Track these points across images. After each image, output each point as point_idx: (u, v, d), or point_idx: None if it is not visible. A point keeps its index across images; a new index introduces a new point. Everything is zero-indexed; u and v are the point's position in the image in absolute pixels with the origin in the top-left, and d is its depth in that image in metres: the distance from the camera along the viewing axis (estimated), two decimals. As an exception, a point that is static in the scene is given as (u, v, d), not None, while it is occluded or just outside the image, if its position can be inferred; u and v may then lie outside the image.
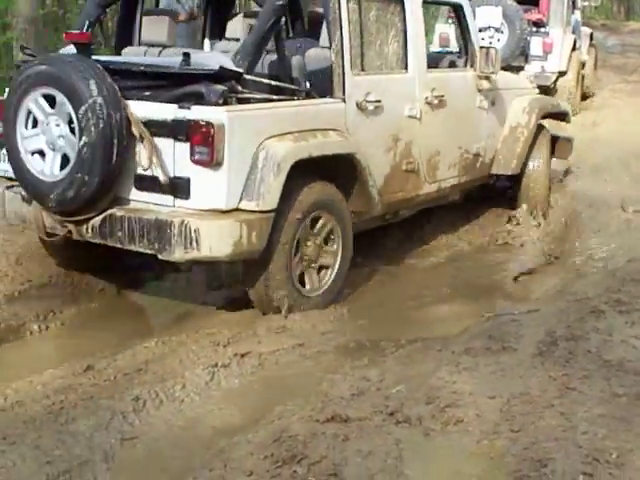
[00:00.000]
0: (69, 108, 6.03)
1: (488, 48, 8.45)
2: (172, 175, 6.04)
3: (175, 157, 6.01)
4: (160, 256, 6.09)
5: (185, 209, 6.04)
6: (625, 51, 23.62)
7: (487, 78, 8.44)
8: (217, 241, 5.96)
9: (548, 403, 4.75)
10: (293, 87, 6.64)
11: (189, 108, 5.95)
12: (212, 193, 6.02)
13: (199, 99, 5.99)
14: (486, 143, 8.73)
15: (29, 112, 6.26)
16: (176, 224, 5.90)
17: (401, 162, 7.52)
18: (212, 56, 6.51)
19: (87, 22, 7.33)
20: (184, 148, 5.94)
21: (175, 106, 6.01)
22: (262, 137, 6.15)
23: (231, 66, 6.16)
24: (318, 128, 6.59)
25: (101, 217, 6.22)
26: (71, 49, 6.56)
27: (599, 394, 4.87)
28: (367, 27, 7.12)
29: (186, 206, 6.04)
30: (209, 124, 5.83)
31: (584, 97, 15.70)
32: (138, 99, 6.17)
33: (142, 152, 6.10)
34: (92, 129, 5.92)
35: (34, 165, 6.29)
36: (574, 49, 14.71)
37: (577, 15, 15.66)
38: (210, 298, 7.23)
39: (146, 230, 6.02)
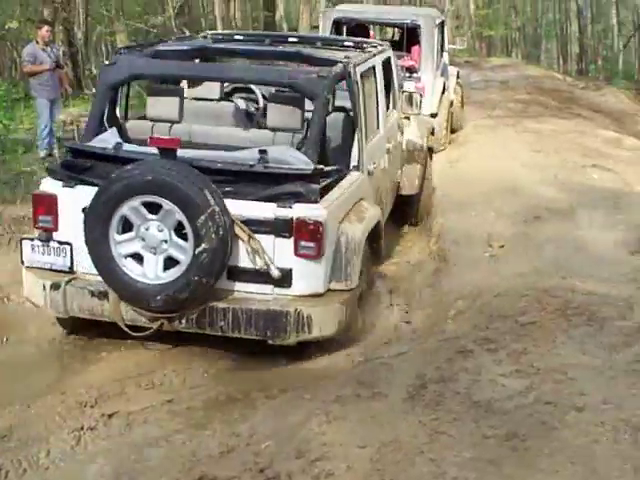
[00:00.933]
0: (180, 216, 6.28)
1: (411, 93, 9.59)
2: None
3: (275, 251, 6.43)
4: (271, 342, 6.50)
5: (283, 296, 6.50)
6: (487, 87, 24.12)
7: (407, 117, 9.65)
8: (326, 323, 6.52)
9: (418, 449, 4.74)
10: (336, 168, 7.07)
11: (291, 207, 6.40)
12: (312, 280, 6.54)
13: (297, 197, 6.42)
14: (400, 170, 9.66)
15: (123, 218, 6.43)
16: (292, 313, 6.38)
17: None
18: (286, 150, 6.86)
19: (107, 106, 7.41)
20: (286, 243, 6.40)
21: (274, 205, 6.41)
22: (338, 222, 6.74)
23: (306, 160, 6.65)
24: (356, 201, 7.22)
25: (199, 309, 6.49)
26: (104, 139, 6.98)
27: (468, 437, 4.89)
28: (365, 101, 7.73)
29: (286, 293, 6.51)
30: (317, 222, 6.35)
31: (452, 132, 16.00)
32: (229, 197, 6.43)
33: (239, 247, 6.46)
34: (213, 236, 6.22)
35: (131, 268, 6.48)
36: (443, 91, 15.05)
37: (445, 58, 16.06)
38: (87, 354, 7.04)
39: (254, 319, 6.43)
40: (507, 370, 5.81)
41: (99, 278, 6.63)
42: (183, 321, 6.56)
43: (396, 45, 16.78)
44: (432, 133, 10.99)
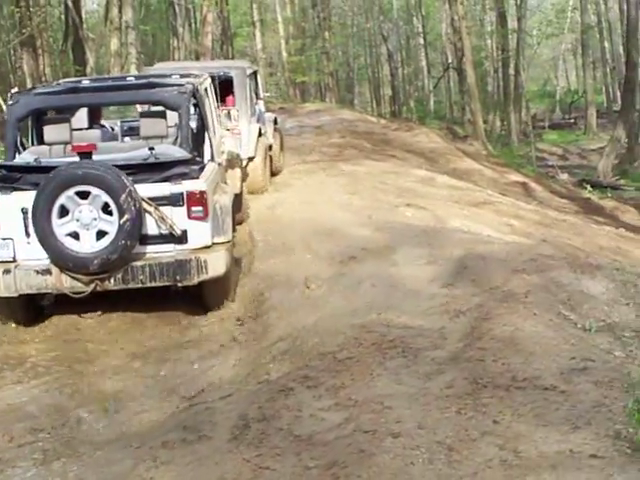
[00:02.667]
0: (106, 198, 8.17)
1: (229, 110, 12.88)
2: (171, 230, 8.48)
3: (173, 217, 8.45)
4: (180, 284, 8.52)
5: (183, 250, 8.53)
6: (303, 132, 24.42)
7: (228, 129, 12.24)
8: (217, 265, 8.60)
9: (242, 486, 4.88)
10: (201, 159, 9.22)
11: (181, 183, 8.47)
12: (201, 236, 8.61)
13: (184, 176, 8.51)
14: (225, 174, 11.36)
15: (62, 206, 8.17)
16: (193, 260, 8.45)
17: None
18: (168, 147, 9.15)
19: (18, 134, 9.34)
20: (181, 210, 8.48)
21: (168, 184, 8.46)
22: (212, 194, 8.79)
23: (183, 152, 8.96)
24: (218, 182, 9.44)
25: (123, 270, 8.37)
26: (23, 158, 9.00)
27: (291, 469, 5.08)
28: (210, 110, 10.05)
29: (183, 248, 8.57)
30: (202, 192, 8.50)
31: (274, 175, 16.25)
32: (135, 183, 8.28)
33: (146, 221, 8.43)
34: (132, 209, 8.16)
35: (71, 244, 8.27)
36: (260, 135, 15.36)
37: (260, 105, 16.42)
38: None
39: (166, 269, 8.43)
40: (327, 404, 6.03)
41: (38, 262, 8.37)
42: (112, 280, 8.40)
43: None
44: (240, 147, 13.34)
